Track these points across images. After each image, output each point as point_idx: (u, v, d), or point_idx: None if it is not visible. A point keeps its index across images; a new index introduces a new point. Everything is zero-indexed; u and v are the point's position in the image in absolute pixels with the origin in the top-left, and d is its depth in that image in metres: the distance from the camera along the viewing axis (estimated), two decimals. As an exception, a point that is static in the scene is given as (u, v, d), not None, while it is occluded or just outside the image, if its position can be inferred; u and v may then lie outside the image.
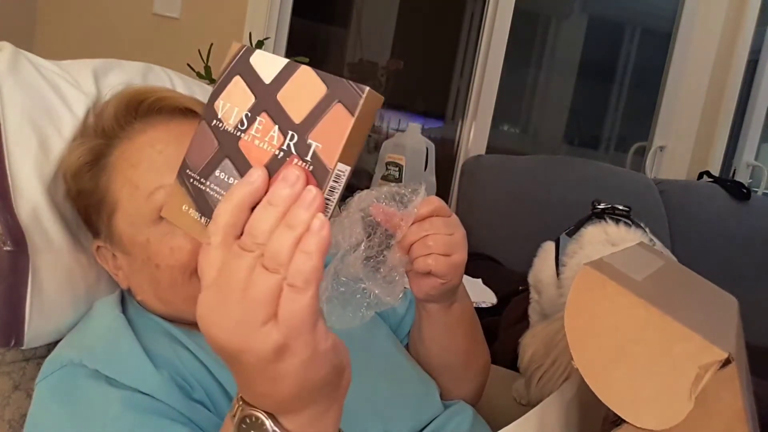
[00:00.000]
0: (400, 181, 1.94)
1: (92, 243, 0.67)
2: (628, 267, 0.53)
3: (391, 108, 2.64)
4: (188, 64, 1.59)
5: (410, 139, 1.99)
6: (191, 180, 0.40)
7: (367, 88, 0.34)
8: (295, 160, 0.35)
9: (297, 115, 0.36)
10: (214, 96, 0.39)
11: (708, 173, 2.31)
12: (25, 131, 0.64)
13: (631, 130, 2.72)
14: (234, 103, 0.38)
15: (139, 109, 0.64)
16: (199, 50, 1.65)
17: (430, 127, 2.54)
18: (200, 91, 0.85)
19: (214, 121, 0.39)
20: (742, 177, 2.49)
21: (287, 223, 0.33)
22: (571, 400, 0.59)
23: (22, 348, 0.64)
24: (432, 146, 2.03)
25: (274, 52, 2.23)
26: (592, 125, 2.83)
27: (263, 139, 0.36)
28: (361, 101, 0.33)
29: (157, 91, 0.66)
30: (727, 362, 0.41)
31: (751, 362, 0.64)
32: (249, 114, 0.37)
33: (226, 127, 0.38)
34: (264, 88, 0.37)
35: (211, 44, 1.66)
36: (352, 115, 0.34)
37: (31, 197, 0.63)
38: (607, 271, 0.48)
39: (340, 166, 0.34)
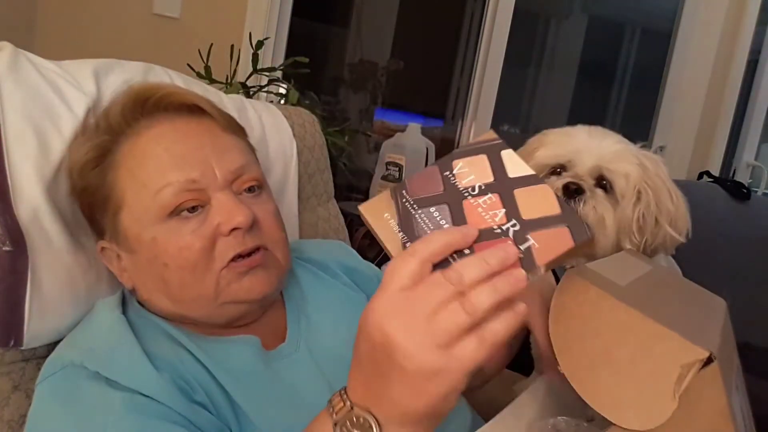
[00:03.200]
0: (400, 182, 1.94)
1: (97, 243, 0.66)
2: (612, 272, 0.53)
3: (391, 108, 2.64)
4: (188, 64, 1.59)
5: (410, 139, 1.99)
6: (404, 200, 0.45)
7: (594, 235, 0.41)
8: (509, 242, 0.41)
9: (526, 212, 0.42)
10: (456, 156, 0.46)
11: (708, 173, 2.31)
12: (25, 131, 0.64)
13: (631, 130, 2.71)
14: (472, 171, 0.45)
15: (146, 106, 0.64)
16: (199, 50, 1.65)
17: (430, 126, 2.54)
18: (201, 91, 0.85)
19: (447, 173, 0.46)
20: (742, 177, 2.49)
21: (494, 286, 0.38)
22: (546, 398, 0.59)
23: (22, 348, 0.64)
24: (432, 146, 2.03)
25: (273, 52, 2.23)
26: (592, 125, 2.83)
27: (487, 211, 0.43)
28: (585, 239, 0.40)
29: (163, 88, 0.66)
30: (709, 361, 0.41)
31: (751, 362, 0.64)
32: (483, 187, 0.44)
33: (457, 183, 0.45)
34: (504, 178, 0.45)
35: (211, 44, 1.66)
36: (574, 242, 0.41)
37: (31, 197, 0.62)
38: (590, 277, 0.48)
39: (542, 269, 0.41)
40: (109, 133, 0.64)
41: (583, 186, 0.79)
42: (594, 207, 0.79)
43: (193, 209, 0.61)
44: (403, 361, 0.38)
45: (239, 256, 0.61)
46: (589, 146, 0.83)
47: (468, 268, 0.38)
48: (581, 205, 0.79)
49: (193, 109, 0.66)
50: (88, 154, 0.63)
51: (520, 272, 0.39)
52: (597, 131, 0.85)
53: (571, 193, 0.79)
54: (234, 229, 0.60)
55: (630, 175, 0.80)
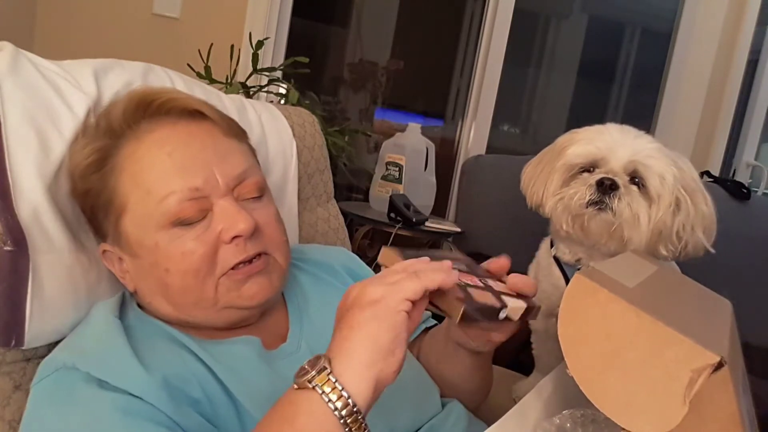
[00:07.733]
0: (400, 182, 1.94)
1: (99, 246, 0.67)
2: (619, 274, 0.53)
3: (391, 108, 2.64)
4: (188, 64, 1.59)
5: (410, 139, 1.99)
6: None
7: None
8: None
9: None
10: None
11: (708, 173, 2.31)
12: (25, 131, 0.64)
13: (631, 130, 2.71)
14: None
15: (148, 109, 0.64)
16: (199, 50, 1.65)
17: (430, 126, 2.54)
18: (200, 91, 0.85)
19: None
20: (742, 177, 2.49)
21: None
22: (551, 397, 0.59)
23: (23, 348, 0.64)
24: (432, 146, 2.03)
25: (273, 52, 2.23)
26: (592, 125, 2.83)
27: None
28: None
29: (166, 92, 0.66)
30: (720, 365, 0.41)
31: (751, 362, 0.64)
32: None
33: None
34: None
35: (211, 44, 1.66)
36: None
37: (32, 197, 0.63)
38: (599, 279, 0.48)
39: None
40: (109, 135, 0.64)
41: (617, 182, 0.78)
42: (629, 204, 0.77)
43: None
44: (376, 305, 0.47)
45: (240, 263, 0.62)
46: (623, 142, 0.81)
47: (417, 264, 0.52)
48: (615, 201, 0.77)
49: (195, 113, 0.66)
50: (90, 158, 0.63)
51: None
52: (629, 130, 0.84)
53: (606, 189, 0.78)
54: (236, 237, 0.61)
55: (665, 175, 0.79)
